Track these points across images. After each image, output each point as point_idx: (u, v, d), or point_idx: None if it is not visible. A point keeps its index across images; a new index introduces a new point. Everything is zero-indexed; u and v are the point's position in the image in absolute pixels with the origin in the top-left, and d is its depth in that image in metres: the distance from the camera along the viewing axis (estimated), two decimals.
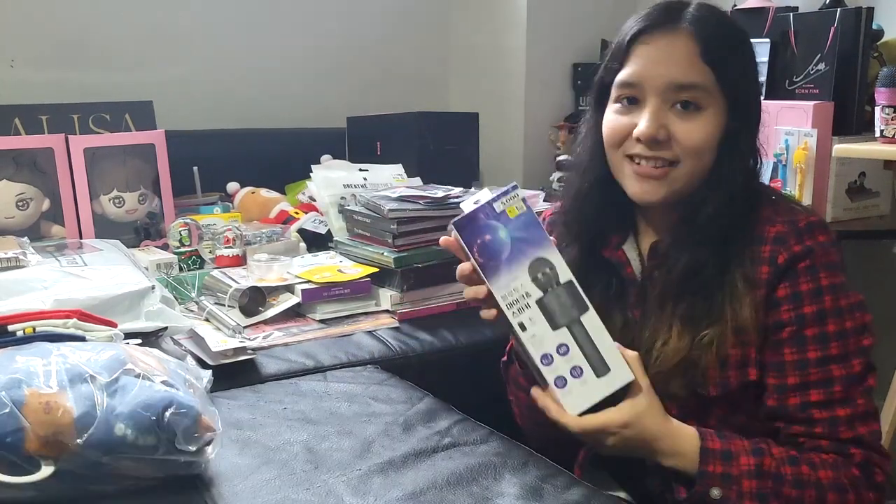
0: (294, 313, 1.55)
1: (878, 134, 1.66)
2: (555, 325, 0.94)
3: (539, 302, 0.94)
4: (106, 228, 1.80)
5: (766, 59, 1.91)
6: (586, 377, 0.94)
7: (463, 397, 1.18)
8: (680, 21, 1.01)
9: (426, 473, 0.94)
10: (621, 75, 1.03)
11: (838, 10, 1.81)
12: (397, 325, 1.53)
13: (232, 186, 2.12)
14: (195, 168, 2.07)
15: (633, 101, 1.03)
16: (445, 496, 0.89)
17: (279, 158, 2.25)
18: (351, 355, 1.38)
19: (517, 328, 0.93)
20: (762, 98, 1.10)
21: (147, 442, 0.85)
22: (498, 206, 0.93)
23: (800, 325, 0.98)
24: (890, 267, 2.07)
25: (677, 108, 1.00)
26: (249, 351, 1.31)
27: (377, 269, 1.59)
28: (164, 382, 0.90)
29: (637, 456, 0.98)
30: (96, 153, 1.80)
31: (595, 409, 0.96)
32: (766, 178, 1.85)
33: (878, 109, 1.65)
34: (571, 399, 0.94)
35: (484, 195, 0.96)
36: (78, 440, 0.82)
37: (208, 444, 0.89)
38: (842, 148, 1.69)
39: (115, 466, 0.84)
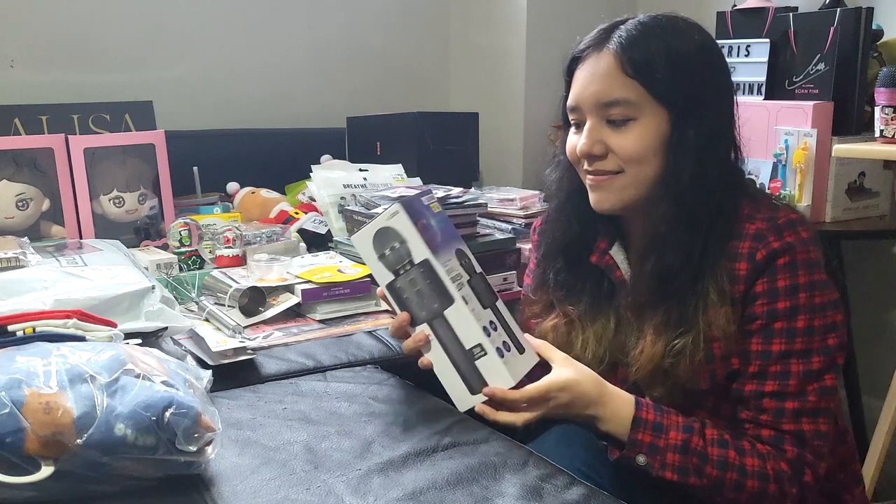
0: (294, 313, 1.55)
1: (877, 134, 1.66)
2: (484, 305, 1.04)
3: (469, 283, 1.04)
4: (106, 228, 1.80)
5: (765, 59, 1.91)
6: (514, 352, 1.04)
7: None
8: (608, 41, 1.06)
9: (426, 473, 0.94)
10: (567, 102, 1.12)
11: (838, 10, 1.81)
12: None
13: (232, 186, 2.12)
14: (195, 168, 2.07)
15: (579, 123, 1.10)
16: (445, 496, 0.90)
17: (279, 158, 2.25)
18: (351, 355, 1.38)
19: (460, 301, 1.01)
20: (735, 96, 1.12)
21: (147, 442, 0.85)
22: (425, 200, 1.06)
23: (770, 319, 1.02)
24: (890, 267, 2.08)
25: (612, 122, 1.06)
26: (249, 351, 1.31)
27: None
28: (164, 382, 0.90)
29: (576, 422, 1.05)
30: (96, 153, 1.80)
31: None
32: (765, 177, 1.85)
33: (877, 109, 1.65)
34: (510, 367, 1.02)
35: (404, 192, 1.06)
36: (78, 440, 0.82)
37: (208, 444, 0.89)
38: (842, 148, 1.69)
39: (115, 466, 0.84)
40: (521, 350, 1.04)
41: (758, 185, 1.81)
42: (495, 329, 1.02)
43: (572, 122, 1.12)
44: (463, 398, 1.04)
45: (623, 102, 1.04)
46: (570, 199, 1.17)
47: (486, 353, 1.01)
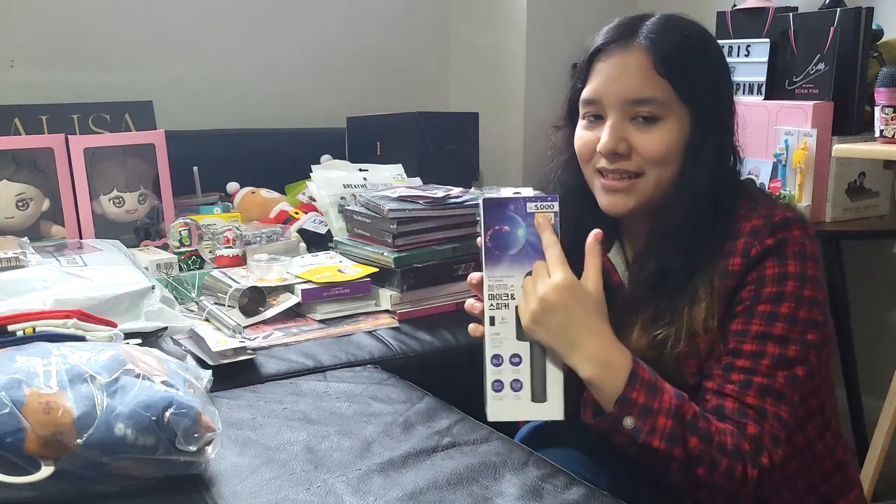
0: (294, 313, 1.55)
1: (877, 134, 1.66)
2: (520, 336, 0.97)
3: (518, 308, 0.96)
4: (106, 228, 1.80)
5: (765, 59, 1.91)
6: (522, 395, 0.97)
7: (463, 397, 1.17)
8: (635, 36, 1.04)
9: (426, 473, 0.95)
10: (584, 93, 1.07)
11: (838, 10, 1.81)
12: (397, 325, 1.53)
13: (232, 186, 2.12)
14: (195, 168, 2.07)
15: (596, 118, 1.06)
16: (445, 496, 0.90)
17: (279, 158, 2.25)
18: (351, 355, 1.38)
19: (487, 320, 0.96)
20: (735, 98, 1.10)
21: (147, 442, 0.85)
22: (530, 207, 0.96)
23: (755, 301, 1.00)
24: (890, 267, 2.08)
25: (637, 120, 1.03)
26: (249, 351, 1.31)
27: (377, 269, 1.59)
28: (164, 382, 0.90)
29: (561, 348, 0.95)
30: (96, 153, 1.80)
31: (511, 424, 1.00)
32: (765, 177, 1.85)
33: (877, 109, 1.65)
34: (498, 405, 0.97)
35: (525, 192, 0.98)
36: (78, 440, 0.82)
37: (208, 444, 0.89)
38: (842, 148, 1.69)
39: (115, 466, 0.84)
40: (538, 398, 0.97)
41: (758, 185, 1.83)
42: (516, 364, 0.97)
43: (586, 115, 1.08)
44: (484, 398, 1.01)
45: (653, 101, 1.02)
46: (570, 200, 1.13)
47: (485, 378, 0.98)
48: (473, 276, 1.02)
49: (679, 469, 0.95)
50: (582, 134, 1.09)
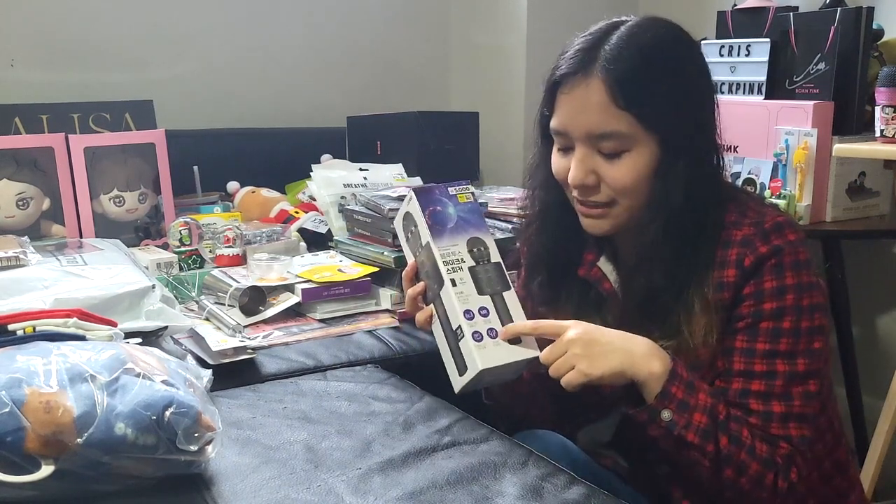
0: (294, 313, 1.55)
1: (878, 134, 1.66)
2: (480, 291, 1.07)
3: (471, 269, 1.08)
4: (106, 228, 1.80)
5: (766, 58, 1.91)
6: (499, 340, 1.05)
7: (463, 396, 1.18)
8: (593, 66, 1.00)
9: (426, 473, 0.95)
10: (552, 123, 1.06)
11: (838, 9, 1.81)
12: (397, 324, 1.53)
13: (232, 186, 2.12)
14: (195, 167, 2.07)
15: (566, 147, 1.06)
16: (445, 495, 0.90)
17: (279, 158, 2.25)
18: (351, 355, 1.38)
19: (448, 283, 1.06)
20: (715, 96, 1.08)
21: (147, 441, 0.85)
22: (451, 190, 1.12)
23: (756, 318, 1.01)
24: (890, 267, 2.08)
25: (603, 153, 1.02)
26: (249, 350, 1.31)
27: (377, 269, 1.59)
28: (164, 382, 0.90)
29: (624, 363, 0.98)
30: (96, 152, 1.80)
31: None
32: (765, 177, 1.85)
33: (878, 109, 1.65)
34: (484, 352, 1.03)
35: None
36: (78, 439, 0.82)
37: (208, 443, 0.89)
38: (842, 148, 1.69)
39: (116, 466, 0.84)
40: (514, 341, 1.04)
41: (738, 184, 1.82)
42: (485, 315, 1.04)
43: (558, 145, 1.08)
44: (454, 378, 1.06)
45: (616, 135, 1.00)
46: (549, 216, 1.15)
47: (463, 336, 1.03)
48: (407, 271, 1.11)
49: (708, 467, 0.97)
50: (557, 161, 1.09)
